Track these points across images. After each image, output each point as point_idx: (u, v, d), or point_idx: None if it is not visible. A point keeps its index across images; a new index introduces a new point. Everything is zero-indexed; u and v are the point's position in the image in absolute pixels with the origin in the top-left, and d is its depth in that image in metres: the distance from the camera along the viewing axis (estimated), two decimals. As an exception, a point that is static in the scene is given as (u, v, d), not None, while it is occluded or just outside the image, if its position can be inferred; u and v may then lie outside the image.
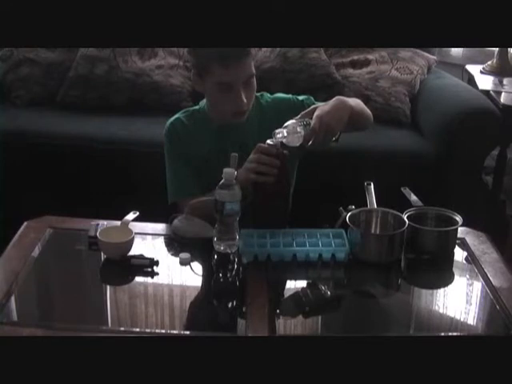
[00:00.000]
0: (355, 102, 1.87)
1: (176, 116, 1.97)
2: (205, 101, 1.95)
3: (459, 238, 1.77)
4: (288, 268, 1.67)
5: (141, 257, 1.64)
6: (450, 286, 1.69)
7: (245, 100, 1.81)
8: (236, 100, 1.80)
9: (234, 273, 1.66)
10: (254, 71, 1.83)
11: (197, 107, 1.98)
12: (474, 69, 3.20)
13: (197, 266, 1.68)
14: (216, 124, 1.92)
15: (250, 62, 1.82)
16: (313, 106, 1.80)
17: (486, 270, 1.65)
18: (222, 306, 1.61)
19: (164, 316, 1.55)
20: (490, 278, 1.62)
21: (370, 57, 2.98)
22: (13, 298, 1.52)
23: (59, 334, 1.38)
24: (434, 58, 3.10)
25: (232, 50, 1.75)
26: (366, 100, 1.99)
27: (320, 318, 1.55)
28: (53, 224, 1.80)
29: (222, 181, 1.61)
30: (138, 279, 1.62)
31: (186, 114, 1.96)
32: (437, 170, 2.57)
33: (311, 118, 1.72)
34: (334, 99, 1.79)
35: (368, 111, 1.93)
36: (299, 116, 1.76)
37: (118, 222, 1.71)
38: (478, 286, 1.65)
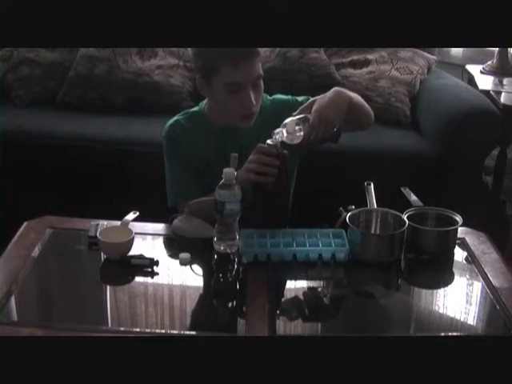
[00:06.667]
0: (354, 94, 1.85)
1: (175, 118, 1.94)
2: (204, 103, 1.94)
3: (459, 238, 1.76)
4: (288, 268, 1.66)
5: (141, 257, 1.64)
6: (449, 286, 1.69)
7: (254, 101, 1.79)
8: (245, 101, 1.79)
9: (234, 273, 1.66)
10: (262, 72, 1.82)
11: (195, 108, 1.96)
12: (473, 69, 3.20)
13: (197, 266, 1.68)
14: (216, 126, 1.90)
15: (259, 63, 1.81)
16: (311, 100, 1.78)
17: (485, 270, 1.65)
18: (221, 305, 1.61)
19: (164, 316, 1.55)
20: (490, 278, 1.62)
21: (370, 57, 2.98)
22: (13, 298, 1.52)
23: (59, 334, 1.38)
24: (434, 58, 3.10)
25: (241, 49, 1.73)
26: (366, 100, 1.99)
27: (320, 317, 1.55)
28: (53, 224, 1.80)
29: (222, 181, 1.61)
30: (138, 279, 1.62)
31: (185, 116, 1.94)
32: (437, 170, 2.57)
33: (309, 113, 1.71)
34: (331, 90, 1.77)
35: (368, 107, 1.91)
36: (297, 111, 1.74)
37: (118, 222, 1.71)
38: (478, 286, 1.65)
